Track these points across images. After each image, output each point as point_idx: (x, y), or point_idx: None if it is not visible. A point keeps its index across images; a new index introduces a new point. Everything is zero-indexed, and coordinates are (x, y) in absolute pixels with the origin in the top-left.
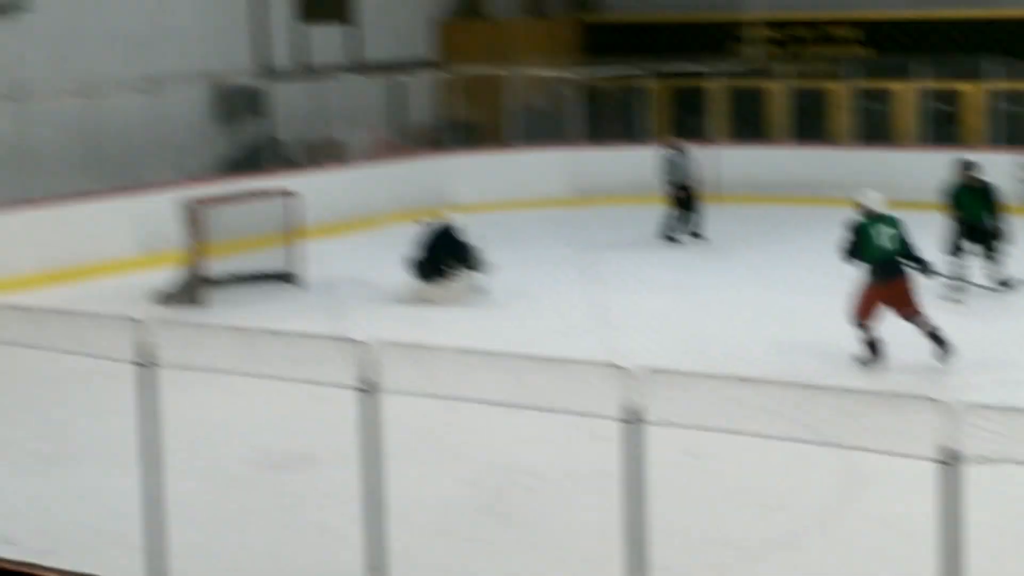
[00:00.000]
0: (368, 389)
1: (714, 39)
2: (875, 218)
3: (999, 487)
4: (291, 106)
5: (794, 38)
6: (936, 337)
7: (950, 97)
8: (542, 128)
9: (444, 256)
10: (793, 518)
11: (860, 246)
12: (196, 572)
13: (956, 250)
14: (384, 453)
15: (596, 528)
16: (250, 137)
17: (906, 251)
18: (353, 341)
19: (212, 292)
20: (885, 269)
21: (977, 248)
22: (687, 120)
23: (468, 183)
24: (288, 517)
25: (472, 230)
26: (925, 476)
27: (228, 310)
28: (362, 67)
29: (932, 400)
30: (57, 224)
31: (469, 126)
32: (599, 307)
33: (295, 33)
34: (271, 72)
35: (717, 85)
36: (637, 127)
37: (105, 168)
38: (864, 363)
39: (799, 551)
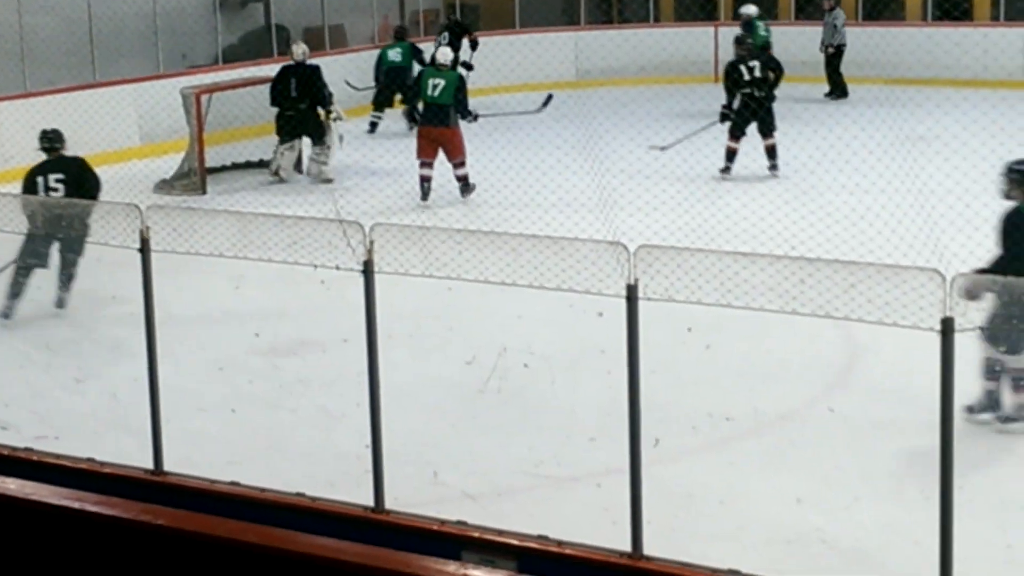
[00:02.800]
0: (365, 270)
1: None
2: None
3: None
4: None
5: None
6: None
7: None
8: (548, 10)
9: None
10: (792, 392)
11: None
12: (197, 457)
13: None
14: (382, 334)
15: (595, 406)
16: (251, 24)
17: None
18: (348, 223)
19: (212, 180)
20: (428, 115)
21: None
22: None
23: (475, 66)
24: (288, 400)
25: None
26: (924, 347)
27: (229, 197)
28: None
29: (930, 270)
30: (57, 114)
31: (473, 10)
32: (601, 188)
33: None
34: None
35: None
36: (643, 8)
37: (105, 58)
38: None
39: (801, 425)
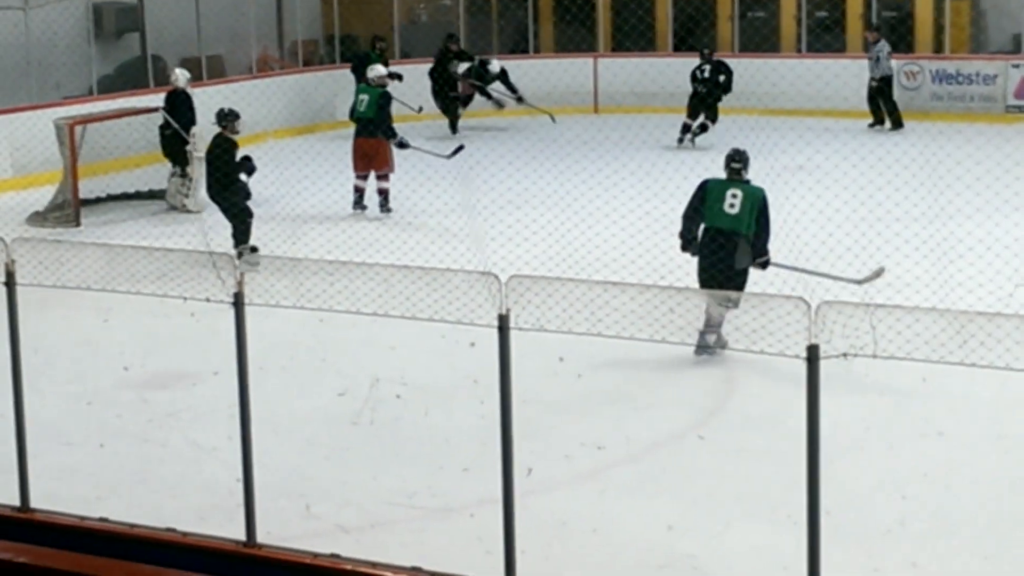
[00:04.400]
0: (235, 302)
1: None
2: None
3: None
4: (169, 22)
5: None
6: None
7: (832, 5)
8: (427, 42)
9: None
10: (665, 420)
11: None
12: (65, 493)
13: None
14: (254, 367)
15: (468, 436)
16: (127, 54)
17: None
18: (219, 255)
19: (86, 212)
20: (358, 129)
21: None
22: (571, 30)
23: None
24: (158, 434)
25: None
26: (795, 374)
27: (103, 229)
28: None
29: (798, 299)
30: None
31: (352, 41)
32: (473, 219)
33: None
34: None
35: None
36: (521, 38)
37: None
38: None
39: (672, 452)
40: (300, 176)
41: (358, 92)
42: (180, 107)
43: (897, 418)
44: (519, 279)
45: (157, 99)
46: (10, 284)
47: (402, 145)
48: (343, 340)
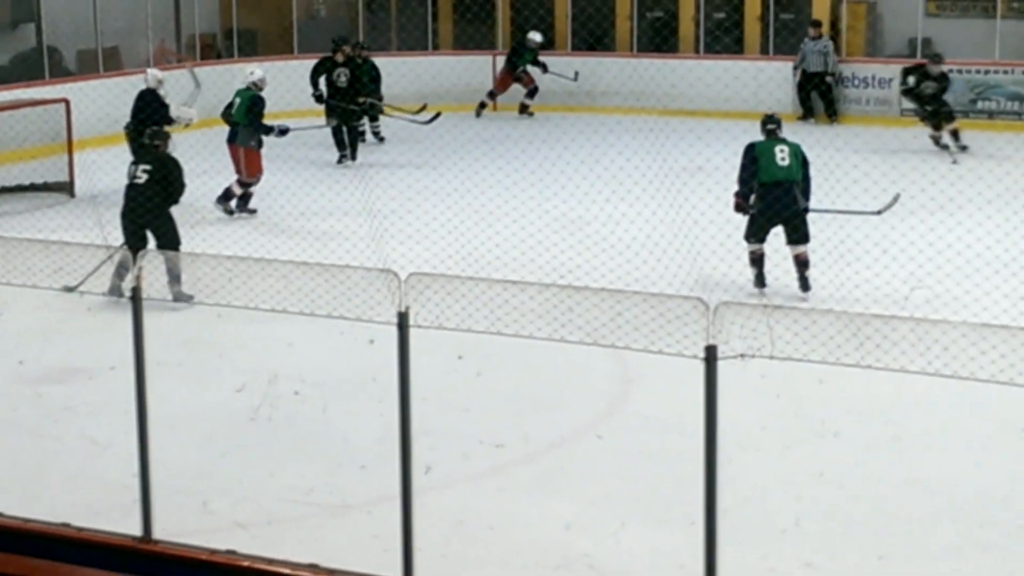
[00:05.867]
0: (134, 297)
1: None
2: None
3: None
4: (65, 13)
5: None
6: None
7: (730, 6)
8: (325, 38)
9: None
10: (563, 419)
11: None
12: None
13: None
14: (151, 362)
15: (367, 433)
16: (23, 45)
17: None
18: (117, 249)
19: None
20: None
21: None
22: (472, 28)
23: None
24: (54, 429)
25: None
26: (691, 374)
27: None
28: None
29: (696, 299)
30: None
31: (250, 35)
32: (371, 214)
33: None
34: None
35: None
36: (421, 35)
37: None
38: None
39: (570, 452)
40: (198, 171)
41: (235, 95)
42: (152, 105)
43: (793, 419)
44: (418, 276)
45: (53, 91)
46: None
47: (283, 132)
48: (241, 336)
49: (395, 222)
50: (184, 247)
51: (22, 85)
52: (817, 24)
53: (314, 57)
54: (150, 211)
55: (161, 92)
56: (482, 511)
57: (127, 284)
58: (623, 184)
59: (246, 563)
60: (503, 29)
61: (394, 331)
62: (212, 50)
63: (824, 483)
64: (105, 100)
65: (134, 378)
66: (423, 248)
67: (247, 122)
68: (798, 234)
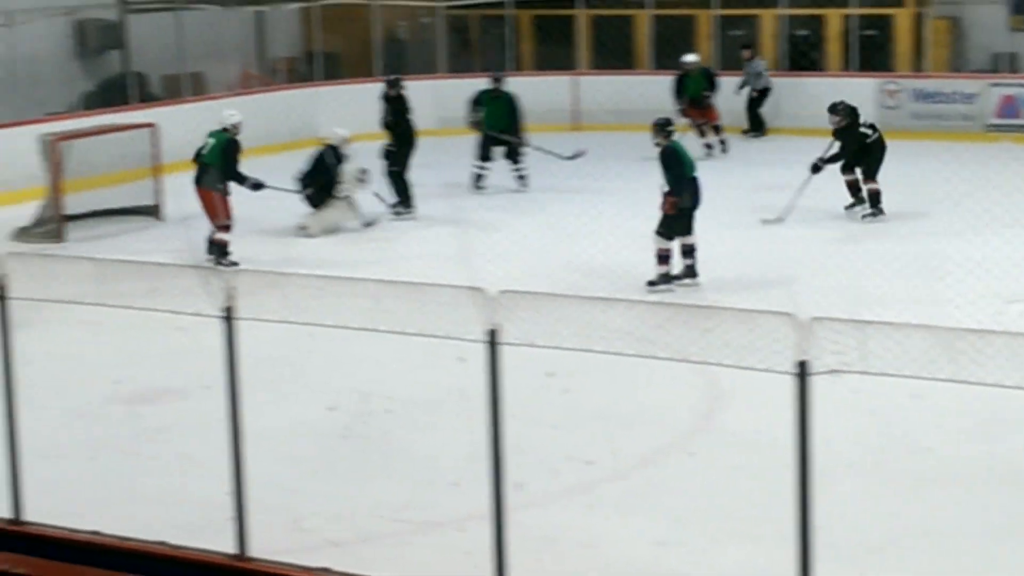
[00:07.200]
0: (226, 317)
1: None
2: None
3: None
4: (151, 39)
5: None
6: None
7: (812, 23)
8: (406, 59)
9: (317, 182)
10: (653, 436)
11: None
12: (57, 505)
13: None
14: (244, 381)
15: (457, 451)
16: (110, 71)
17: (219, 165)
18: (211, 269)
19: (72, 228)
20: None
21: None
22: (552, 49)
23: (332, 115)
24: (149, 448)
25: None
26: (782, 390)
27: (88, 245)
28: None
29: (786, 315)
30: None
31: (333, 58)
32: (462, 234)
33: None
34: (130, 5)
35: (581, 13)
36: (501, 57)
37: None
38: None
39: (659, 469)
40: (283, 193)
41: (209, 135)
42: (323, 163)
43: (886, 434)
44: (508, 294)
45: (138, 115)
46: (2, 298)
47: (257, 187)
48: (332, 355)
49: (484, 240)
50: (273, 267)
51: (110, 110)
52: (747, 46)
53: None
54: None
55: (344, 150)
56: (572, 528)
57: (218, 300)
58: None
59: None
60: (584, 49)
61: (483, 348)
62: (295, 73)
63: (919, 500)
64: (191, 124)
65: (227, 397)
66: (512, 266)
67: (220, 165)
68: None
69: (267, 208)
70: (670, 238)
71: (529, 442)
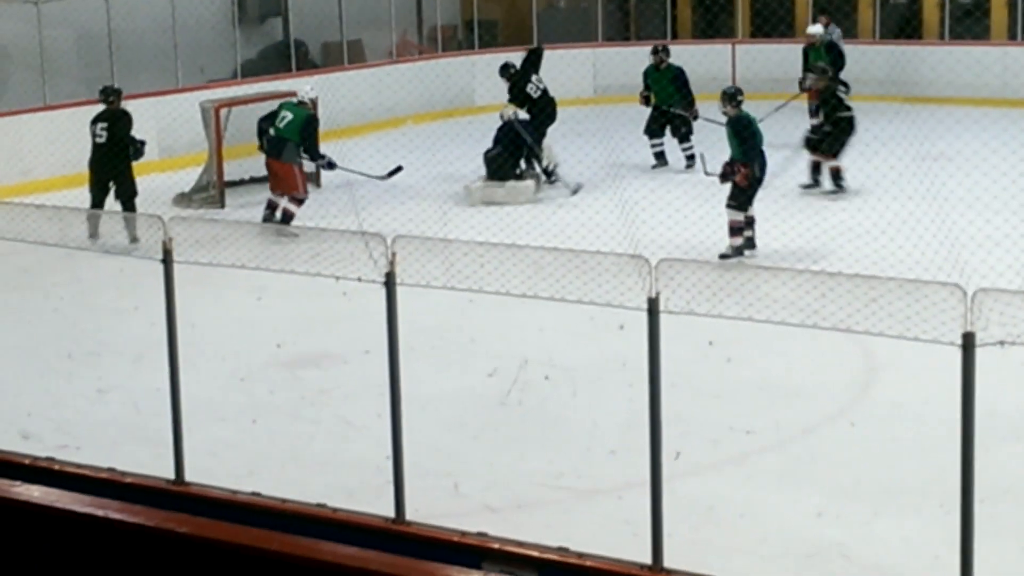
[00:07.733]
0: (387, 282)
1: None
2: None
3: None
4: (311, 6)
5: None
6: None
7: None
8: (566, 27)
9: (509, 154)
10: (812, 407)
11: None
12: (218, 467)
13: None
14: (403, 346)
15: (616, 419)
16: (270, 39)
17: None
18: (371, 235)
19: (231, 193)
20: (268, 146)
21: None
22: (711, 16)
23: (491, 83)
24: (309, 411)
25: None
26: (944, 361)
27: (248, 211)
28: None
29: (951, 285)
30: (76, 128)
31: (490, 26)
32: (622, 202)
33: None
34: None
35: None
36: (660, 25)
37: (124, 72)
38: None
39: (819, 439)
40: (442, 160)
41: (282, 108)
42: (509, 134)
43: None
44: (669, 262)
45: (298, 83)
46: (167, 261)
47: (331, 166)
48: (492, 321)
49: (646, 207)
50: (437, 234)
51: (270, 78)
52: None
53: (553, 47)
54: None
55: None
56: (731, 498)
57: (380, 266)
58: (878, 168)
59: (496, 545)
60: (743, 17)
61: (644, 316)
62: (453, 41)
63: None
64: (350, 92)
65: (387, 362)
66: (674, 234)
67: (299, 140)
68: None
69: (426, 177)
70: (744, 209)
71: (689, 411)
